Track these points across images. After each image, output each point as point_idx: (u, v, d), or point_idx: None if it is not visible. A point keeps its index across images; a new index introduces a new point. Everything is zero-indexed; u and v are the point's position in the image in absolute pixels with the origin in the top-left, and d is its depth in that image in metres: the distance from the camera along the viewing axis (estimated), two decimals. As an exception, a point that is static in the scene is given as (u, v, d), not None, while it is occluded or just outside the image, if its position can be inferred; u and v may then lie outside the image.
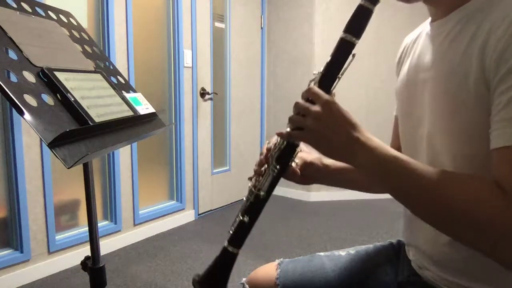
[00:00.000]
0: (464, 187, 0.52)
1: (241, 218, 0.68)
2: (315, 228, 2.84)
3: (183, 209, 2.94)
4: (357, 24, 0.61)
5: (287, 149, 0.66)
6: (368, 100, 3.54)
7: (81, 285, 1.98)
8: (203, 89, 3.03)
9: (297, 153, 0.69)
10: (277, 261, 0.90)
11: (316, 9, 3.42)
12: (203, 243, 2.53)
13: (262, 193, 0.67)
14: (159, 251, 2.42)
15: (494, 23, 0.53)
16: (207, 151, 3.14)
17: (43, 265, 2.04)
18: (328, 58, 0.63)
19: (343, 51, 0.62)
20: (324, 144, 0.60)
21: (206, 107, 3.09)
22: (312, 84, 0.63)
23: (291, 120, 0.62)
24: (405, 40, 0.83)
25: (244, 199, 0.70)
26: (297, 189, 3.64)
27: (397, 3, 0.69)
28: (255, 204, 0.68)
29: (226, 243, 0.69)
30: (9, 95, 0.66)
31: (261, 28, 3.66)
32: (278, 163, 0.67)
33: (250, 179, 0.72)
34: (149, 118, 1.09)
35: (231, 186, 3.43)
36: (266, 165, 0.70)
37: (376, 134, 0.59)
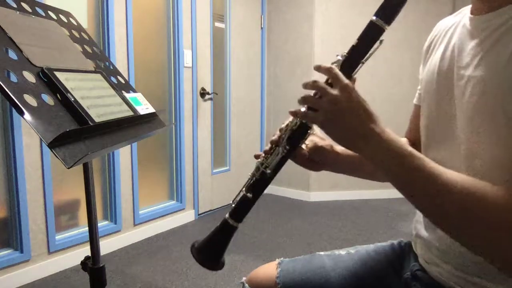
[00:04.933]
0: (480, 195, 0.50)
1: (244, 193, 0.68)
2: (315, 228, 2.84)
3: (183, 209, 2.94)
4: (390, 9, 0.58)
5: (299, 130, 0.66)
6: (367, 100, 3.53)
7: (81, 285, 1.98)
8: (203, 89, 3.03)
9: (308, 135, 0.68)
10: (277, 261, 0.90)
11: (316, 10, 3.42)
12: (203, 243, 2.53)
13: (268, 171, 0.67)
14: (159, 251, 2.42)
15: None
16: (207, 151, 3.14)
17: (43, 265, 2.04)
18: (355, 41, 0.60)
19: (370, 36, 0.59)
20: (336, 130, 0.58)
21: (206, 107, 3.09)
22: (334, 65, 0.61)
23: (306, 99, 0.59)
24: (438, 26, 0.77)
25: (250, 175, 0.70)
26: (297, 189, 3.64)
27: None
28: (260, 181, 0.68)
29: (227, 215, 0.69)
30: (9, 95, 0.66)
31: (261, 28, 3.66)
32: (288, 143, 0.66)
33: (257, 157, 0.72)
34: (149, 118, 1.09)
35: (231, 186, 3.43)
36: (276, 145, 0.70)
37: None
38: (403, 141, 0.56)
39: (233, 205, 0.70)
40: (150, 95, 2.63)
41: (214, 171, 3.25)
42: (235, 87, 3.42)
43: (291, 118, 0.67)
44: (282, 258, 0.91)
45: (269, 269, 0.88)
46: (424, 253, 0.74)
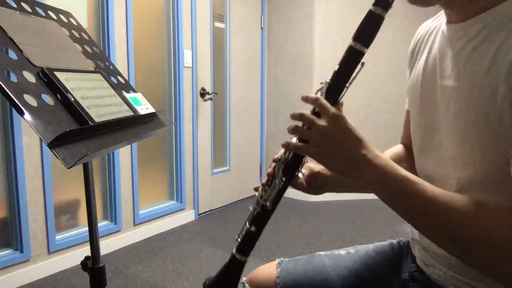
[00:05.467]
0: (475, 217, 0.51)
1: (248, 227, 0.69)
2: (315, 228, 2.84)
3: (183, 209, 2.94)
4: (366, 31, 0.58)
5: (293, 161, 0.66)
6: (367, 101, 3.54)
7: (81, 285, 1.98)
8: (203, 89, 3.03)
9: (303, 164, 0.68)
10: (277, 261, 0.90)
11: (316, 9, 3.42)
12: (203, 243, 2.53)
13: (268, 203, 0.67)
14: (159, 251, 2.42)
15: None
16: (207, 151, 3.14)
17: (43, 265, 2.04)
18: (336, 67, 0.60)
19: (351, 60, 0.59)
20: (329, 160, 0.58)
21: (206, 107, 3.09)
22: (319, 93, 0.61)
23: (296, 130, 0.60)
24: (420, 30, 0.77)
25: (251, 208, 0.70)
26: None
27: (397, 5, 0.63)
28: (261, 215, 0.69)
29: (234, 250, 0.70)
30: (9, 95, 0.66)
31: (261, 28, 3.66)
32: (284, 175, 0.66)
33: (256, 189, 0.72)
34: (149, 118, 1.09)
35: (231, 186, 3.43)
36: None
37: (374, 135, 0.58)
38: (397, 166, 0.57)
39: (239, 240, 0.70)
40: (150, 95, 2.63)
41: (214, 171, 3.25)
42: (235, 87, 3.41)
43: (284, 149, 0.67)
44: (282, 258, 0.91)
45: (269, 269, 0.88)
46: (422, 255, 0.74)
